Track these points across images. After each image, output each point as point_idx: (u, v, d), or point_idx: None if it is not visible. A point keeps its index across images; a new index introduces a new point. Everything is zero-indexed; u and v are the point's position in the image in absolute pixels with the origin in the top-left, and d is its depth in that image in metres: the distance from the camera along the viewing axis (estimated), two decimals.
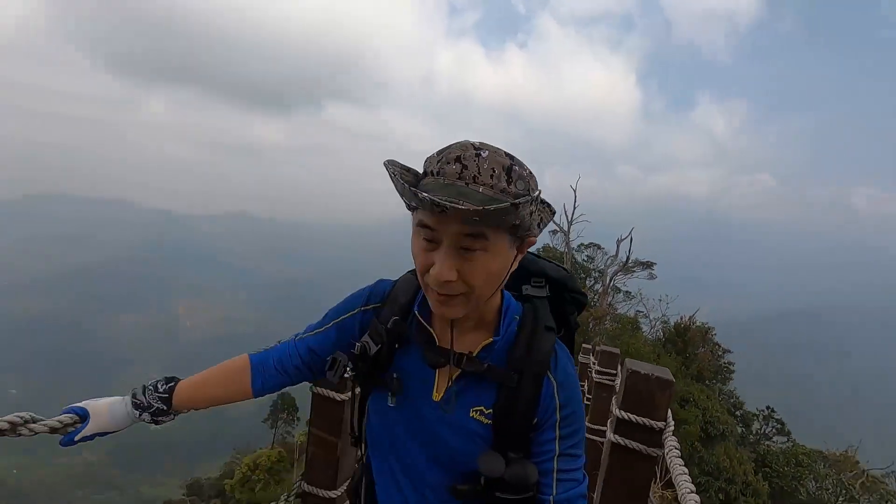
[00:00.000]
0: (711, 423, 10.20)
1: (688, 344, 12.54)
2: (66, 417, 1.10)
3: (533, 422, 0.94)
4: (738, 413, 13.55)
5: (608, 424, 1.92)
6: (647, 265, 17.05)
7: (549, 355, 0.95)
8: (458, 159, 0.81)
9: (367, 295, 1.10)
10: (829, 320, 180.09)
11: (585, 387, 6.39)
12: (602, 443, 3.88)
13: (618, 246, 17.18)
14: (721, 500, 9.10)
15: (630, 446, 1.68)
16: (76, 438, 1.08)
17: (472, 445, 0.94)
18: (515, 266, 0.91)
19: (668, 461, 1.67)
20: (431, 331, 0.99)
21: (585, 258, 19.09)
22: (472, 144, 0.83)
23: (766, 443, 13.61)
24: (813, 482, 11.96)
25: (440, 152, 0.85)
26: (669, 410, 1.73)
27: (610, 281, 17.28)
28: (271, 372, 1.14)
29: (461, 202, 0.75)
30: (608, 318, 13.81)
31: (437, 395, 0.97)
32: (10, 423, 1.03)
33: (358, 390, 1.67)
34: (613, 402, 1.81)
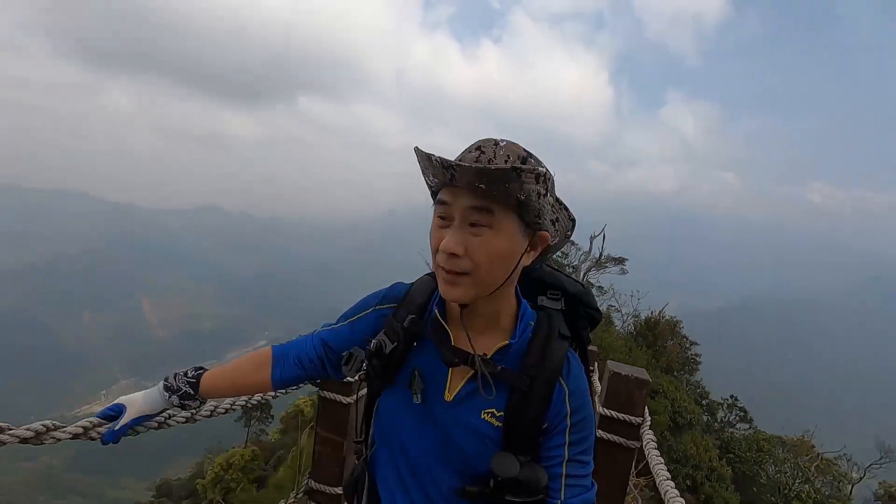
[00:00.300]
0: (679, 412, 10.63)
1: (658, 337, 13.02)
2: (86, 422, 1.16)
3: (543, 426, 0.95)
4: (704, 402, 14.14)
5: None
6: (619, 261, 17.55)
7: (562, 362, 0.97)
8: (478, 148, 0.88)
9: (382, 296, 1.12)
10: (788, 311, 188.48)
11: None
12: None
13: (591, 242, 17.62)
14: (688, 485, 9.54)
15: (612, 440, 1.85)
16: (118, 427, 1.14)
17: (481, 447, 0.96)
18: (528, 261, 0.93)
19: (646, 452, 1.83)
20: (448, 329, 1.00)
21: (560, 254, 19.50)
22: (493, 138, 0.90)
23: (730, 430, 14.26)
24: (772, 466, 12.61)
25: (465, 149, 0.91)
26: (646, 407, 1.89)
27: (583, 277, 17.71)
28: (290, 364, 1.16)
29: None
30: None
31: (448, 396, 0.98)
32: (34, 431, 1.06)
33: (363, 391, 1.69)
34: (596, 400, 1.96)
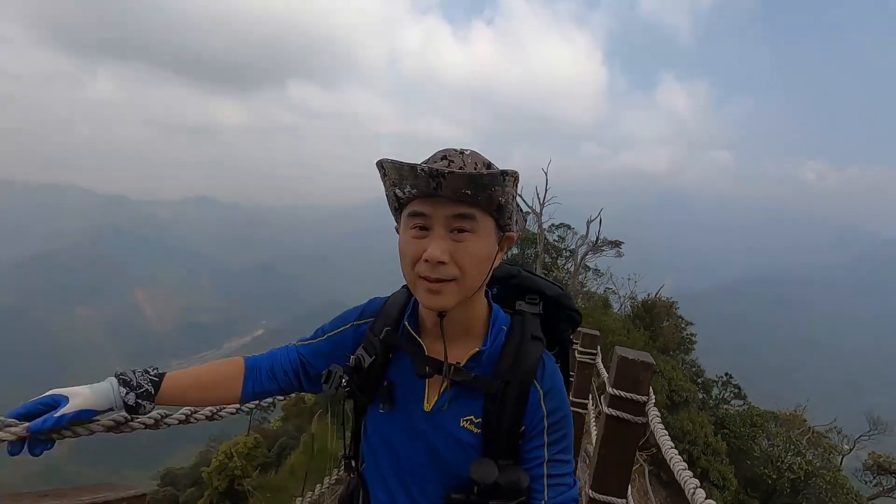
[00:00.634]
0: (676, 391, 10.90)
1: (654, 319, 13.27)
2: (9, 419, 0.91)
3: (520, 429, 0.96)
4: (699, 381, 14.46)
5: (601, 400, 2.22)
6: (616, 244, 17.76)
7: (536, 364, 0.97)
8: (444, 157, 0.88)
9: (361, 311, 1.12)
10: (781, 290, 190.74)
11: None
12: (585, 414, 4.27)
13: (588, 226, 17.80)
14: (685, 461, 9.80)
15: (621, 416, 1.99)
16: (57, 415, 0.92)
17: (463, 454, 0.96)
18: (498, 262, 0.95)
19: (652, 426, 1.98)
20: (420, 341, 1.01)
21: (557, 238, 19.66)
22: (454, 148, 0.91)
23: (725, 406, 14.61)
24: (766, 440, 12.97)
25: (426, 159, 0.90)
26: (651, 387, 2.03)
27: (581, 260, 17.91)
28: (263, 377, 1.12)
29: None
30: (580, 296, 14.38)
31: (427, 406, 0.99)
32: None
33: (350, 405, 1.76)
34: (606, 381, 2.09)
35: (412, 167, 0.83)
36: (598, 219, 17.42)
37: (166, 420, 1.22)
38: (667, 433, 1.95)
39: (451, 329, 0.96)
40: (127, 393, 1.00)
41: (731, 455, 11.80)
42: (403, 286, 1.06)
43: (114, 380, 1.01)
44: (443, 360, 0.97)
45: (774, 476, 11.82)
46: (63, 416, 0.93)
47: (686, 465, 1.60)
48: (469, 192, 0.83)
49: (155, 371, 1.06)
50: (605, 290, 16.99)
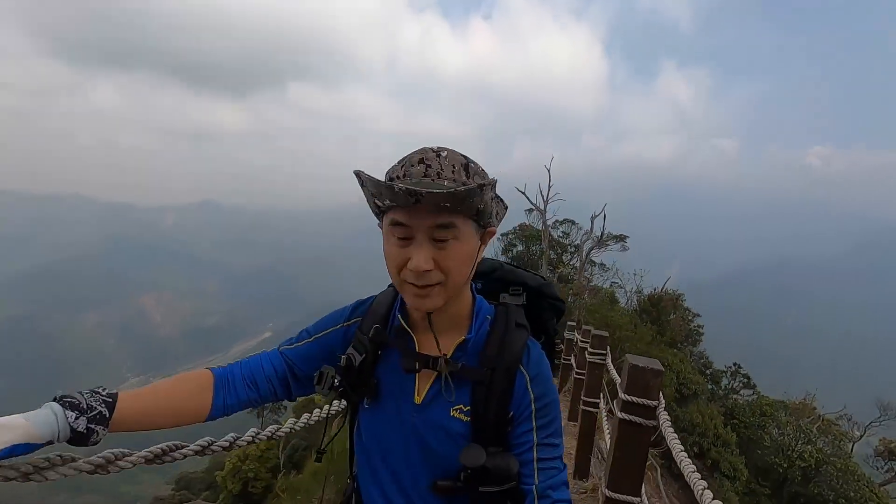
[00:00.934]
0: (685, 384, 10.96)
1: (661, 313, 13.31)
2: None
3: (509, 415, 0.97)
4: (707, 372, 14.50)
5: (614, 404, 2.33)
6: (620, 238, 17.79)
7: (522, 350, 0.99)
8: (420, 161, 0.87)
9: (350, 311, 1.12)
10: (789, 277, 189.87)
11: (573, 361, 6.86)
12: (596, 413, 4.36)
13: (592, 222, 17.83)
14: (696, 452, 9.90)
15: (633, 420, 2.09)
16: None
17: (454, 444, 0.96)
18: (481, 257, 0.97)
19: (663, 430, 2.09)
20: (412, 334, 1.02)
21: (561, 234, 19.71)
22: (431, 148, 0.90)
23: (734, 397, 14.65)
24: (776, 429, 13.02)
25: (401, 160, 0.90)
26: (661, 392, 2.14)
27: (586, 255, 17.96)
28: (239, 387, 1.06)
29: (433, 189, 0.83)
30: (587, 292, 14.42)
31: (418, 398, 1.00)
32: None
33: (341, 404, 1.74)
34: (619, 387, 2.21)
35: (389, 186, 0.82)
36: (602, 214, 17.46)
37: (172, 454, 1.13)
38: (676, 436, 2.07)
39: (439, 322, 0.98)
40: (77, 418, 0.85)
41: (742, 445, 11.86)
42: (390, 285, 1.08)
43: (55, 405, 0.85)
44: (430, 353, 0.98)
45: (785, 465, 11.87)
46: None
47: (695, 467, 1.70)
48: (448, 204, 0.83)
49: (106, 391, 0.92)
50: (611, 285, 17.02)
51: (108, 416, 0.88)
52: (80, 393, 0.89)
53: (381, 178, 0.90)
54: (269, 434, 1.45)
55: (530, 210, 19.14)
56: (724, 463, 10.11)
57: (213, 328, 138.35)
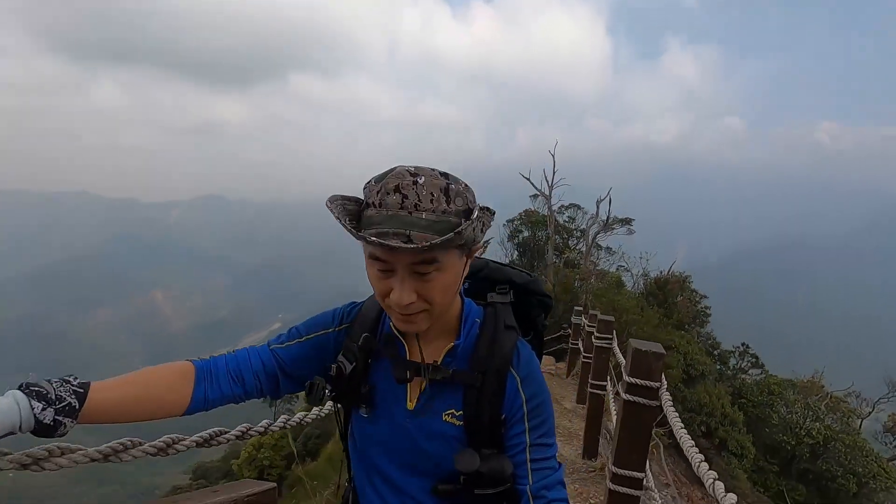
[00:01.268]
0: (692, 365, 11.06)
1: (668, 295, 13.37)
2: None
3: (501, 418, 0.98)
4: (715, 353, 14.57)
5: (620, 386, 2.45)
6: (626, 221, 17.80)
7: (511, 352, 0.99)
8: (397, 189, 0.83)
9: (340, 316, 1.11)
10: (796, 252, 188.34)
11: (581, 346, 6.97)
12: (604, 395, 4.48)
13: (598, 206, 17.86)
14: (703, 431, 10.04)
15: (637, 401, 2.23)
16: None
17: (448, 448, 0.98)
18: (467, 271, 0.95)
19: (665, 409, 2.20)
20: (402, 340, 1.02)
21: (567, 219, 19.72)
22: (408, 171, 0.85)
23: (742, 376, 14.74)
24: (784, 407, 13.11)
25: (378, 180, 0.86)
26: (663, 374, 2.26)
27: (592, 240, 18.00)
28: (223, 380, 1.03)
29: (408, 231, 0.81)
30: (593, 276, 14.49)
31: (410, 404, 1.00)
32: None
33: (328, 408, 1.77)
34: (623, 370, 2.33)
35: (363, 238, 0.81)
36: (607, 198, 17.46)
37: (175, 446, 1.13)
38: (678, 415, 2.19)
39: (427, 330, 0.96)
40: (43, 409, 0.80)
41: (750, 424, 11.97)
42: None
43: (19, 394, 0.80)
44: (422, 361, 0.99)
45: (793, 442, 11.99)
46: None
47: (693, 442, 1.81)
48: (428, 248, 0.81)
49: (78, 381, 0.87)
50: (617, 269, 17.06)
51: (77, 407, 0.84)
52: (49, 381, 0.84)
53: (370, 184, 0.87)
54: (282, 424, 1.48)
55: (535, 196, 19.14)
56: (732, 441, 10.25)
57: (222, 321, 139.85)
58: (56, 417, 0.81)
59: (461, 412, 0.98)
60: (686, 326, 13.57)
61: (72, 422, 0.84)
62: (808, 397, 13.38)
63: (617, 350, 4.13)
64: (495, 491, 0.94)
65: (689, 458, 1.70)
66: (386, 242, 0.79)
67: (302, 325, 1.11)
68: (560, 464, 1.01)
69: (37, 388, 0.81)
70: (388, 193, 0.83)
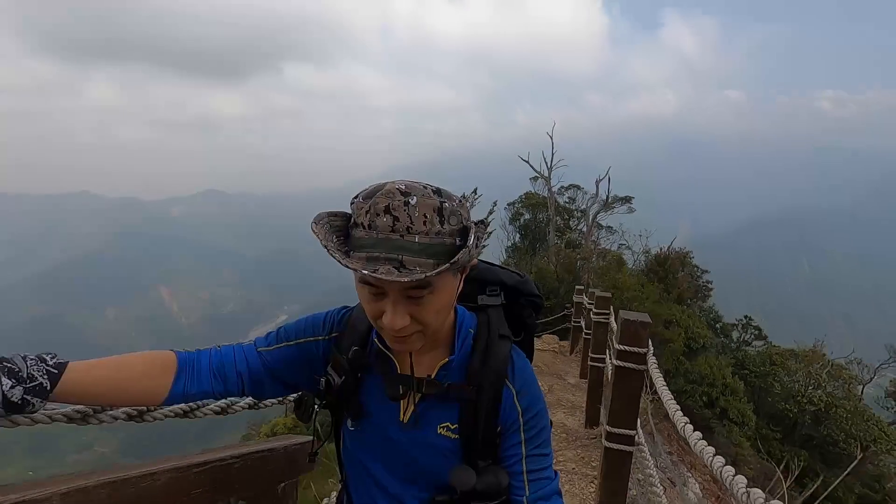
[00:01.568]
0: (693, 338, 11.29)
1: (668, 271, 13.56)
2: None
3: (497, 430, 0.97)
4: (717, 326, 14.80)
5: (610, 354, 2.69)
6: (626, 200, 17.91)
7: (506, 364, 0.98)
8: (387, 210, 0.78)
9: (330, 323, 1.07)
10: (801, 223, 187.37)
11: (583, 323, 7.20)
12: (603, 367, 4.71)
13: (597, 186, 17.96)
14: (705, 401, 10.31)
15: (626, 366, 2.45)
16: None
17: (443, 461, 0.97)
18: (461, 286, 0.92)
19: (650, 371, 2.45)
20: (392, 357, 0.99)
21: (567, 200, 19.84)
22: (399, 189, 0.79)
23: (745, 348, 14.97)
24: (786, 377, 13.35)
25: (366, 198, 0.81)
26: (649, 340, 2.49)
27: (592, 220, 18.14)
28: (204, 375, 1.01)
29: (400, 256, 0.77)
30: (594, 256, 14.67)
31: (404, 418, 0.99)
32: None
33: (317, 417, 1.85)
34: (612, 339, 2.55)
35: (353, 269, 0.78)
36: (606, 177, 17.55)
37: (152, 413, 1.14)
38: (661, 376, 2.44)
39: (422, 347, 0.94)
40: (12, 386, 0.79)
41: (752, 394, 12.22)
42: None
43: None
44: (414, 376, 0.98)
45: (795, 410, 12.25)
46: None
47: (679, 405, 2.02)
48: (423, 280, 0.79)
49: (55, 360, 0.86)
50: (619, 247, 17.23)
51: (49, 388, 0.83)
52: (24, 358, 0.83)
53: (358, 194, 0.84)
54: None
55: (535, 178, 19.23)
56: (733, 410, 10.52)
57: (230, 314, 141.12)
58: (24, 396, 0.81)
59: (456, 426, 0.97)
60: (688, 301, 13.78)
61: (41, 402, 0.83)
62: (810, 366, 13.59)
63: (614, 325, 4.35)
64: (493, 503, 0.95)
65: (672, 419, 1.90)
66: (377, 276, 0.75)
67: (291, 328, 1.08)
68: (556, 472, 1.01)
69: (9, 365, 0.81)
70: (378, 215, 0.78)
